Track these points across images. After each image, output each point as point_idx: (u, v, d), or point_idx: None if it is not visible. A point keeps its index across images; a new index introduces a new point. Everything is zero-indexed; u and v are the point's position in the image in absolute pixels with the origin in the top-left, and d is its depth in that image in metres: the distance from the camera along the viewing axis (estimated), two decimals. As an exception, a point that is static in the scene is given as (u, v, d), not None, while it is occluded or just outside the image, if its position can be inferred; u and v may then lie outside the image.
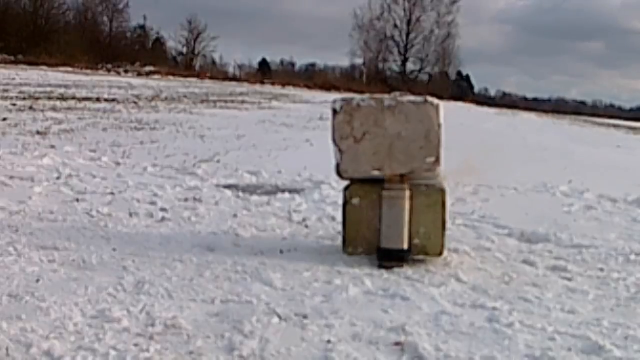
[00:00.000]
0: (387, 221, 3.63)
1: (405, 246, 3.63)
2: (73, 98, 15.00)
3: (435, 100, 3.69)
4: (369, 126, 3.65)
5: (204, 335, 2.54)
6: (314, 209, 4.97)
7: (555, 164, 9.37)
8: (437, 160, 3.65)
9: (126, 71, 33.86)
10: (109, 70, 33.30)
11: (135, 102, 15.32)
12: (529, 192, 6.49)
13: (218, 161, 7.34)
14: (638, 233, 4.76)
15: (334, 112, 3.70)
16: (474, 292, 3.22)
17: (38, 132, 8.75)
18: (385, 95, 3.76)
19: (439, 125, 3.63)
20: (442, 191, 3.70)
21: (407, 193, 3.64)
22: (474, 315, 2.88)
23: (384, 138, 3.64)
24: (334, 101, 3.76)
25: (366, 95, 3.80)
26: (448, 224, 3.82)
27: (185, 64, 43.97)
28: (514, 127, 20.16)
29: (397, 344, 2.56)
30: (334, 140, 3.71)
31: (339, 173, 3.76)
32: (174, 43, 46.90)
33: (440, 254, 3.70)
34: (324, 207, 5.02)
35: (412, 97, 3.72)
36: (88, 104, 13.94)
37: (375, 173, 3.66)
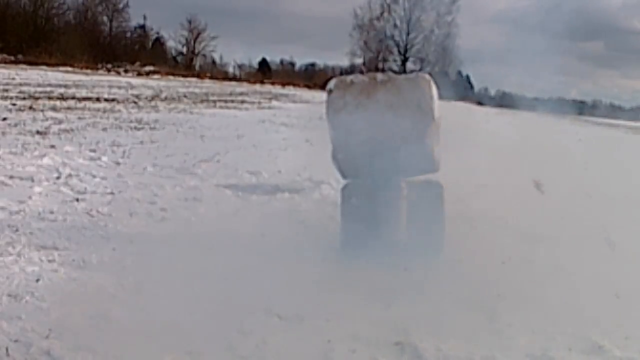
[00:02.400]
0: None
1: None
2: (73, 98, 14.98)
3: (427, 75, 3.76)
4: (362, 99, 3.69)
5: (204, 335, 2.54)
6: (314, 209, 4.96)
7: (556, 163, 9.35)
8: (433, 122, 3.66)
9: (126, 71, 33.85)
10: (109, 70, 33.29)
11: (135, 102, 15.31)
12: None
13: (218, 161, 7.34)
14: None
15: (329, 91, 3.76)
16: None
17: (38, 132, 8.74)
18: (379, 74, 3.82)
19: (431, 97, 3.67)
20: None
21: None
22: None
23: (377, 109, 3.68)
24: (329, 82, 3.82)
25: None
26: None
27: (185, 64, 43.87)
28: (513, 126, 20.13)
29: (397, 344, 2.56)
30: (328, 116, 3.75)
31: (334, 157, 3.78)
32: (174, 43, 46.77)
33: None
34: (324, 207, 5.02)
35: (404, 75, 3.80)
36: (88, 104, 13.92)
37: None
